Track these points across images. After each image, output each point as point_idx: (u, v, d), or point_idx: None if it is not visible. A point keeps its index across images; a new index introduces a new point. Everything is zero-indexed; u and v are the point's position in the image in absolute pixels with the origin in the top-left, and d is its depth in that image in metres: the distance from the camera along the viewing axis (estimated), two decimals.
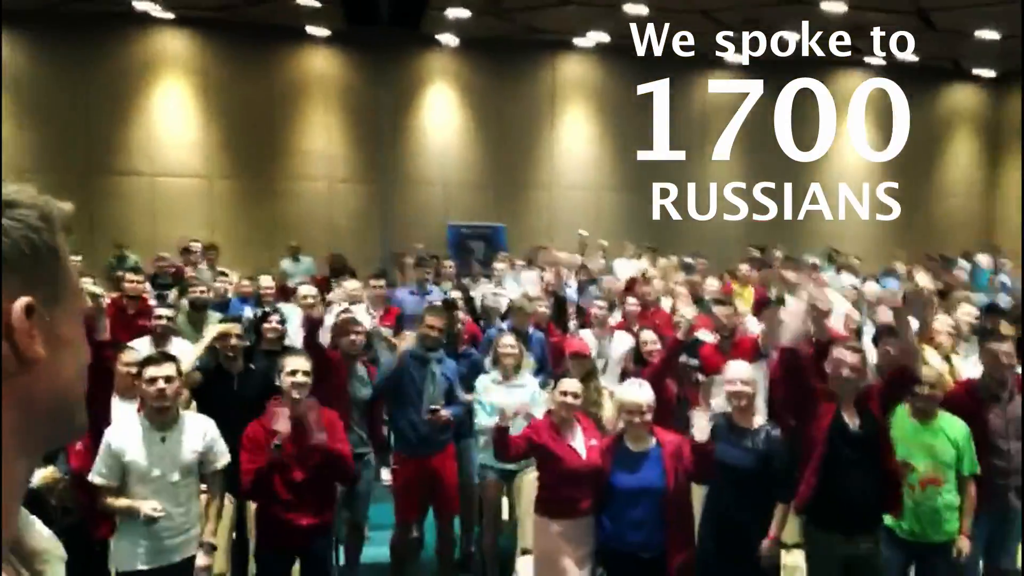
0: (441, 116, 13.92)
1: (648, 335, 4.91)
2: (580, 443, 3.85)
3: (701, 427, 3.60)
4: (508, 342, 4.78)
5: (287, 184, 13.46)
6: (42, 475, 3.16)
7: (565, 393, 3.89)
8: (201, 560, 3.47)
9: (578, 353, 4.66)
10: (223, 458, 3.59)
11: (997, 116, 15.69)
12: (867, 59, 14.46)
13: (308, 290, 6.35)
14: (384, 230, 13.60)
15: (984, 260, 10.47)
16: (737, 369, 3.92)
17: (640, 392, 3.77)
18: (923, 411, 3.93)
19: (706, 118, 14.78)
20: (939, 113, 15.62)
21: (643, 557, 3.69)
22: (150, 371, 3.40)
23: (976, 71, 14.87)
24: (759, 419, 3.97)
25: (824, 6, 10.74)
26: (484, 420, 4.59)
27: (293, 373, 3.59)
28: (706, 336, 5.44)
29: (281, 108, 13.28)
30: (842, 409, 3.70)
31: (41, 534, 0.87)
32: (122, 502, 3.36)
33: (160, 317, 4.98)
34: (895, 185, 14.93)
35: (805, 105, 14.95)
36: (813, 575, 3.89)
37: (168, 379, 3.41)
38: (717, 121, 14.82)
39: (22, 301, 0.72)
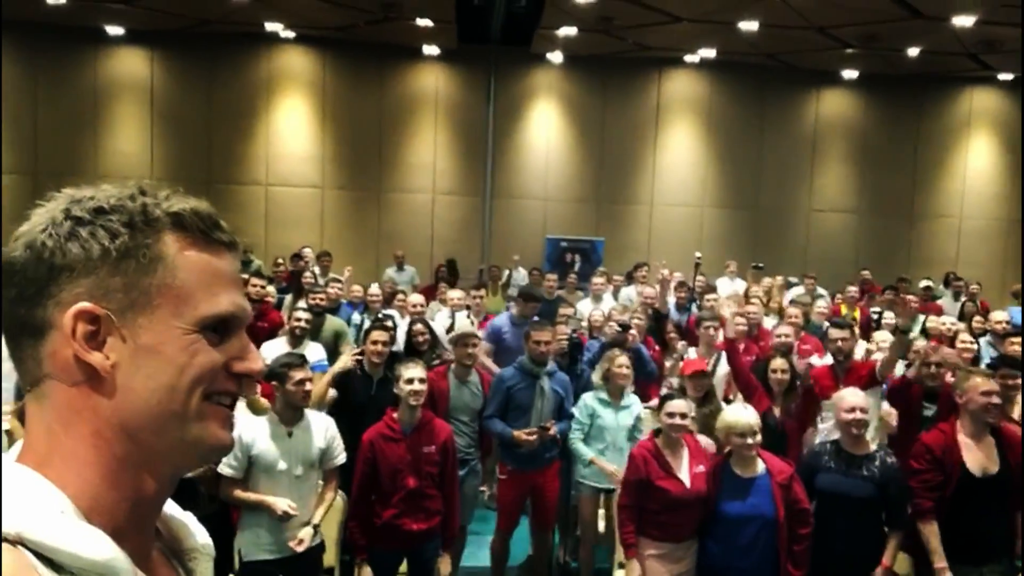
0: (545, 132, 14.09)
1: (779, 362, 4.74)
2: (685, 468, 3.78)
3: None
4: (623, 362, 4.71)
5: (393, 195, 13.92)
6: None
7: (673, 415, 3.82)
8: (302, 534, 3.58)
9: (698, 371, 4.60)
10: (341, 456, 3.76)
11: None
12: (998, 75, 13.73)
13: (417, 298, 6.59)
14: (484, 242, 13.90)
15: None
16: (852, 396, 3.81)
17: (746, 414, 3.70)
18: None
19: (818, 135, 14.37)
20: None
21: None
22: (297, 374, 3.59)
23: None
24: (872, 446, 3.86)
25: (954, 20, 10.24)
26: (579, 443, 4.63)
27: (410, 381, 3.72)
28: (815, 359, 5.27)
29: (392, 123, 13.78)
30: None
31: (194, 533, 0.88)
32: (254, 496, 3.54)
33: (299, 320, 5.21)
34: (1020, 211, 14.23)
35: (924, 123, 14.44)
36: None
37: (309, 380, 3.63)
38: (830, 138, 14.38)
39: (75, 308, 0.72)
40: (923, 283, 10.12)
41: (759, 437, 3.66)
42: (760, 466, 3.69)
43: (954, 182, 14.58)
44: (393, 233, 13.31)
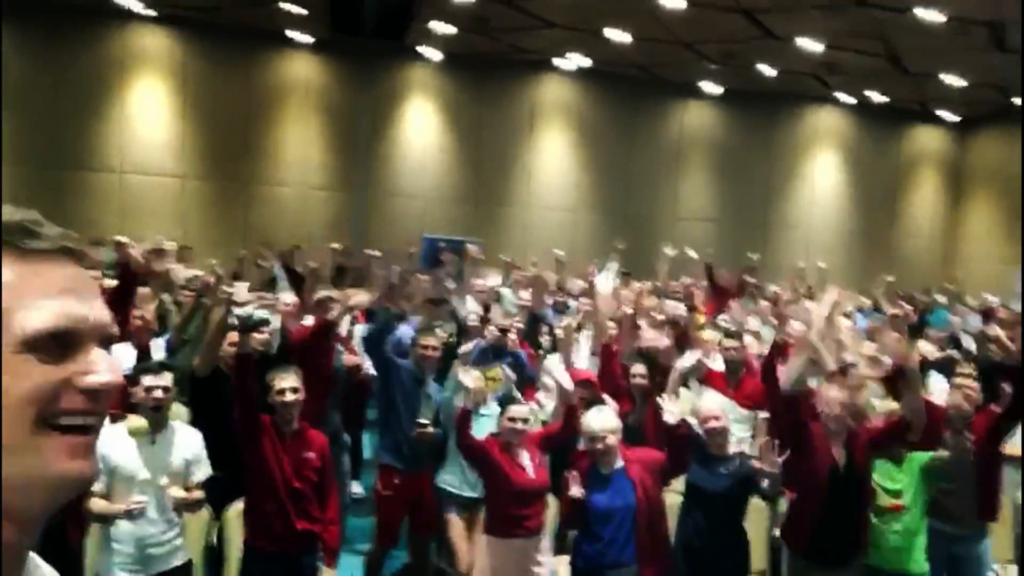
0: (420, 129, 13.98)
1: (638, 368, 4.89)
2: (527, 463, 3.95)
3: (670, 411, 3.74)
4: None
5: (261, 188, 13.38)
6: None
7: (515, 420, 3.95)
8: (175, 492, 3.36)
9: (583, 380, 4.68)
10: (206, 469, 3.56)
11: (960, 159, 16.23)
12: (840, 96, 14.89)
13: (291, 298, 6.33)
14: (357, 240, 13.62)
15: (942, 299, 10.72)
16: (710, 404, 4.02)
17: (603, 419, 3.84)
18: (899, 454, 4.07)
19: (683, 146, 15.07)
20: (905, 154, 16.12)
21: (618, 574, 3.75)
22: (146, 379, 3.35)
23: (941, 114, 15.37)
24: (732, 448, 4.08)
25: (800, 43, 11.06)
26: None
27: (282, 392, 3.58)
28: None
29: (260, 112, 13.22)
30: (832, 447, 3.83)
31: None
32: (101, 504, 3.28)
33: (139, 318, 4.87)
34: (861, 223, 15.50)
35: (777, 139, 15.47)
36: None
37: (166, 389, 3.39)
38: (692, 149, 15.13)
39: None
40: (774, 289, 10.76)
41: (613, 439, 3.81)
42: (619, 462, 3.84)
43: (803, 195, 15.70)
44: (261, 228, 12.78)
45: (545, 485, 3.93)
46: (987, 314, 9.38)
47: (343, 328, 5.72)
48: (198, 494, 3.48)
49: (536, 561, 3.91)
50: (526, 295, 7.42)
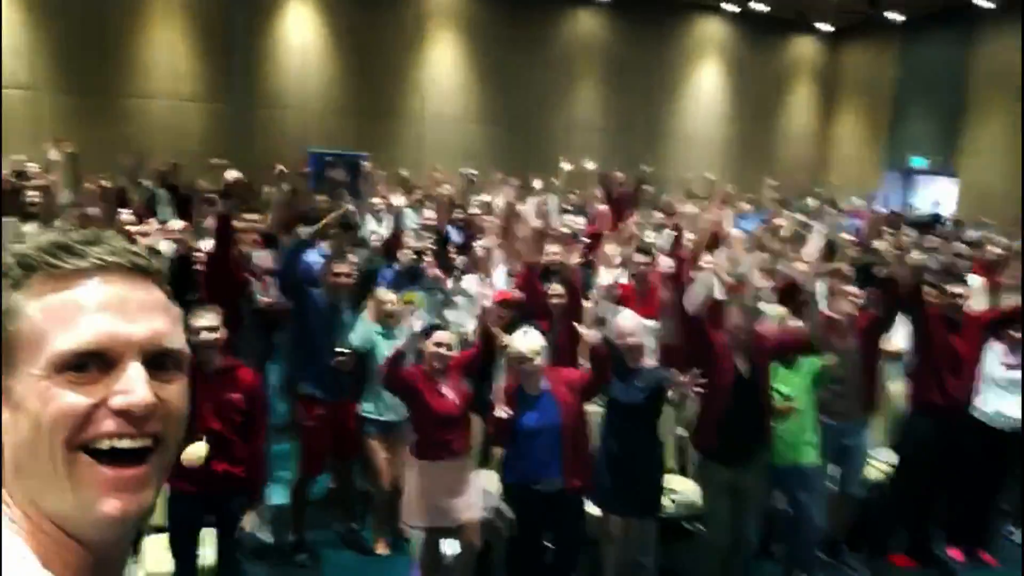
0: (299, 36, 13.17)
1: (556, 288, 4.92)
2: (449, 390, 3.96)
3: (590, 334, 3.86)
4: (389, 297, 4.68)
5: (128, 101, 12.33)
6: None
7: (440, 344, 3.94)
8: None
9: (505, 300, 4.67)
10: None
11: (833, 68, 16.95)
12: (724, 6, 15.07)
13: (179, 224, 5.93)
14: (237, 155, 12.87)
15: (812, 203, 11.28)
16: (627, 322, 4.13)
17: (529, 340, 3.90)
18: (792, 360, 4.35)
19: (572, 55, 14.94)
20: (783, 63, 16.66)
21: (545, 490, 3.89)
22: None
23: (817, 25, 15.88)
24: (649, 361, 4.24)
25: None
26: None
27: (198, 332, 3.39)
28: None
29: (117, 13, 12.04)
30: (735, 356, 4.05)
31: None
32: None
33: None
34: (742, 130, 16.02)
35: (665, 48, 15.57)
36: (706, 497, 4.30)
37: None
38: (583, 58, 15.04)
39: None
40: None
41: (539, 360, 3.88)
42: (544, 382, 3.93)
43: (689, 104, 16.03)
44: (129, 145, 11.81)
45: (464, 411, 3.96)
46: (858, 217, 10.03)
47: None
48: None
49: (464, 480, 4.00)
50: (431, 214, 7.27)
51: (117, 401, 0.67)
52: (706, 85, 16.13)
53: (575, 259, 5.45)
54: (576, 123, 15.09)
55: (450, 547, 4.14)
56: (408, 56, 13.83)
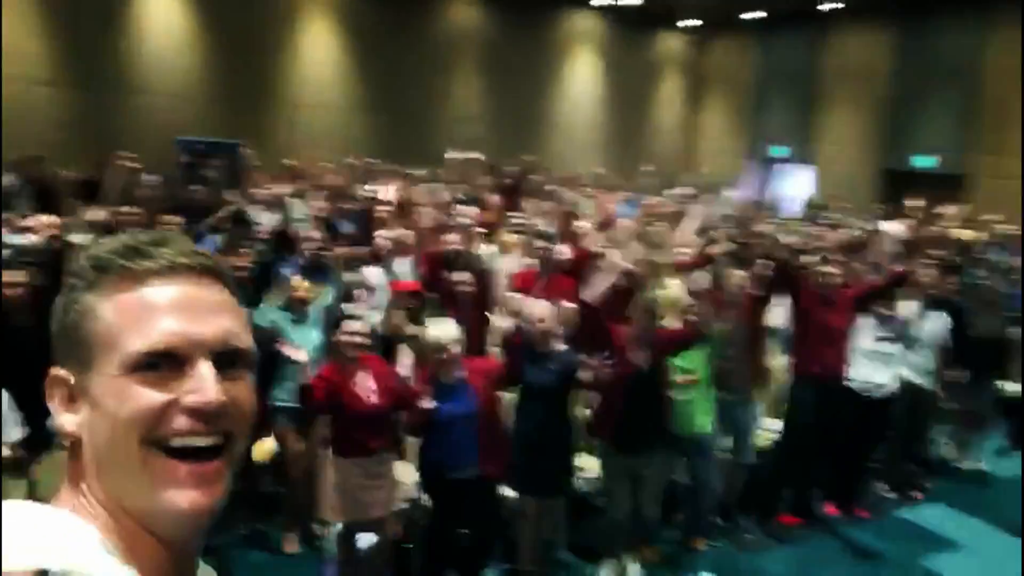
0: (163, 19, 12.44)
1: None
2: (366, 386, 3.83)
3: (503, 327, 3.91)
4: (302, 285, 4.57)
5: None
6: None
7: (352, 333, 3.83)
8: None
9: (408, 291, 4.63)
10: (16, 429, 3.10)
11: (699, 63, 17.81)
12: (593, 2, 15.51)
13: (50, 219, 5.52)
14: (104, 144, 12.02)
15: (685, 189, 11.80)
16: (537, 307, 4.22)
17: (445, 329, 3.91)
18: None
19: (449, 45, 14.92)
20: (653, 58, 17.35)
21: (463, 477, 3.92)
22: None
23: (684, 22, 16.62)
24: (560, 345, 4.34)
25: None
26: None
27: None
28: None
29: None
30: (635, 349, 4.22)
31: None
32: None
33: None
34: (616, 122, 16.56)
35: (539, 39, 15.83)
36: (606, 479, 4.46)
37: None
38: (460, 47, 15.05)
39: (49, 374, 0.73)
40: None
41: (456, 349, 3.90)
42: (460, 371, 3.96)
43: (565, 95, 16.39)
44: None
45: (387, 408, 3.84)
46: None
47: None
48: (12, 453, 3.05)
49: (383, 474, 3.94)
50: (321, 204, 7.08)
51: (189, 400, 0.69)
52: (580, 77, 16.56)
53: (478, 248, 5.51)
54: (455, 113, 15.10)
55: (366, 541, 4.10)
56: (281, 42, 13.36)
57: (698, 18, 16.43)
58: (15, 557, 0.61)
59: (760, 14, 15.19)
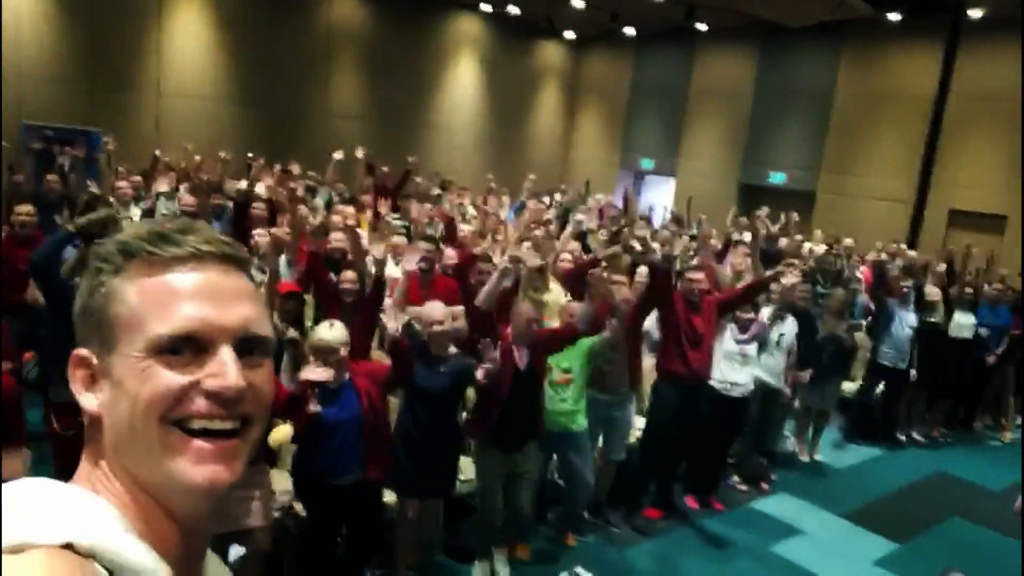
0: None
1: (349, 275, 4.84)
2: None
3: (392, 326, 3.89)
4: None
5: None
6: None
7: None
8: None
9: (294, 292, 4.49)
10: None
11: (575, 73, 18.31)
12: (481, 5, 15.64)
13: None
14: None
15: (563, 197, 12.16)
16: (434, 309, 4.22)
17: (334, 332, 3.85)
18: None
19: (330, 40, 14.62)
20: (534, 66, 17.67)
21: (344, 483, 3.86)
22: None
23: (565, 33, 17.03)
24: (453, 349, 4.36)
25: None
26: None
27: None
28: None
29: None
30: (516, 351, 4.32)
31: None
32: None
33: None
34: (497, 127, 16.77)
35: (423, 40, 15.80)
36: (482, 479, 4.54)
37: None
38: (341, 44, 14.77)
39: (73, 353, 0.75)
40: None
41: (344, 351, 3.85)
42: (345, 374, 3.92)
43: (447, 98, 16.42)
44: None
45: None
46: (601, 213, 11.02)
47: None
48: None
49: (253, 484, 3.74)
50: (189, 199, 6.80)
51: (210, 384, 0.71)
52: (463, 80, 16.65)
53: (368, 248, 5.41)
54: (334, 110, 14.82)
55: (235, 553, 3.96)
56: (144, 26, 12.65)
57: (579, 30, 16.89)
58: (41, 530, 0.63)
59: (633, 31, 15.80)
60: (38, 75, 11.81)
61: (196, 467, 0.71)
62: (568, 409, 4.74)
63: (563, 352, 4.67)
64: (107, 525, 0.68)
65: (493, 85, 16.96)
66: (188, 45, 13.06)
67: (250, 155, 7.55)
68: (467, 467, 4.81)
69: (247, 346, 0.74)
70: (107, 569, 0.65)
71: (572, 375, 4.78)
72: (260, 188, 8.15)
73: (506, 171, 15.28)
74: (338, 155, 9.19)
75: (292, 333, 4.18)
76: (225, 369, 0.72)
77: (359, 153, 9.53)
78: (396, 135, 14.98)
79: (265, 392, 0.76)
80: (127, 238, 0.75)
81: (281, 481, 4.13)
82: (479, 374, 4.09)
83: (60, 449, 4.12)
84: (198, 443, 0.71)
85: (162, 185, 6.16)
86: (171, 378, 0.71)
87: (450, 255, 5.39)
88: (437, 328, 4.12)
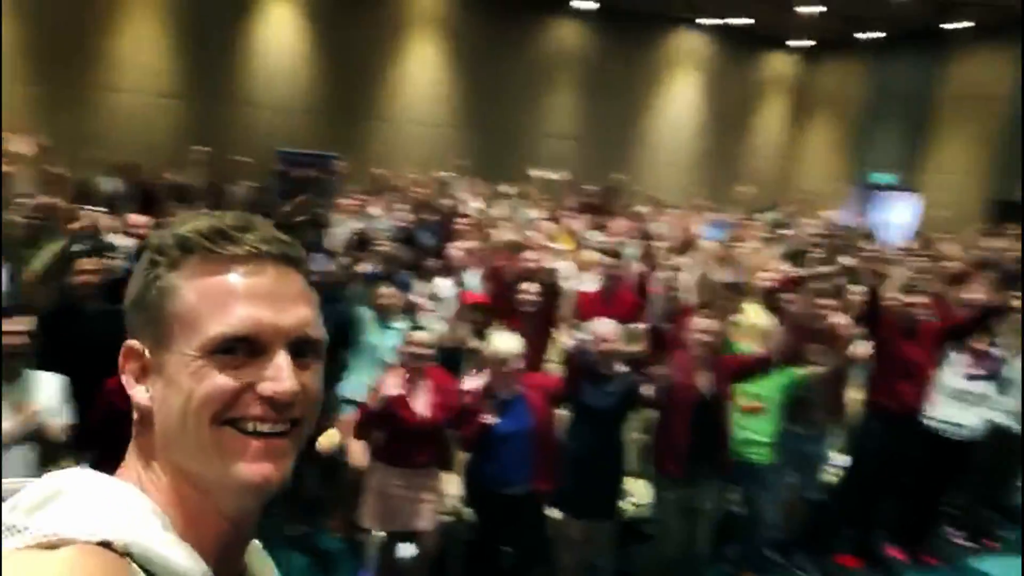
0: (279, 37, 13.12)
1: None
2: (423, 399, 3.84)
3: (567, 339, 3.83)
4: (390, 292, 4.74)
5: (101, 94, 12.18)
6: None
7: (417, 345, 3.85)
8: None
9: (481, 304, 4.66)
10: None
11: (805, 84, 17.22)
12: (701, 20, 15.27)
13: (140, 218, 5.87)
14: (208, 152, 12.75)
15: (776, 215, 11.39)
16: (605, 327, 4.13)
17: (508, 343, 3.89)
18: None
19: (551, 63, 15.04)
20: (758, 77, 16.91)
21: (513, 494, 3.87)
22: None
23: (794, 42, 16.11)
24: (621, 367, 4.24)
25: None
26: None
27: None
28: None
29: (97, 10, 11.91)
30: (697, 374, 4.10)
31: None
32: None
33: None
34: (714, 142, 16.23)
35: (642, 58, 15.73)
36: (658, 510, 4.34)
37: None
38: (562, 66, 15.14)
39: (124, 345, 0.75)
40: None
41: (516, 363, 3.87)
42: (519, 386, 3.93)
43: (663, 114, 16.19)
44: (98, 139, 11.66)
45: (438, 422, 3.81)
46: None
47: None
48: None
49: (427, 487, 3.92)
50: (402, 214, 7.28)
51: (265, 387, 0.71)
52: (681, 97, 16.32)
53: (554, 265, 5.46)
54: (550, 130, 15.18)
55: (406, 551, 4.11)
56: (385, 59, 13.83)
57: (811, 38, 15.90)
58: (80, 526, 0.63)
59: (878, 34, 14.54)
60: (292, 107, 13.34)
61: (250, 465, 0.70)
62: (755, 440, 4.41)
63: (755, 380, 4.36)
64: (147, 522, 0.67)
65: (712, 100, 16.45)
66: (424, 75, 14.09)
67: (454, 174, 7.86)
68: (640, 491, 4.65)
69: (301, 348, 0.73)
70: (143, 568, 0.64)
71: (763, 403, 4.43)
72: (468, 205, 8.57)
73: (721, 187, 14.68)
74: (536, 173, 9.39)
75: (474, 343, 4.28)
76: (281, 374, 0.71)
77: (557, 174, 9.68)
78: (608, 154, 15.01)
79: (314, 393, 0.75)
80: (186, 232, 0.73)
81: (454, 486, 4.24)
82: (645, 390, 3.93)
83: None
84: (251, 441, 0.71)
85: (378, 204, 6.68)
86: (225, 380, 0.70)
87: (632, 272, 5.26)
88: (605, 346, 4.02)
